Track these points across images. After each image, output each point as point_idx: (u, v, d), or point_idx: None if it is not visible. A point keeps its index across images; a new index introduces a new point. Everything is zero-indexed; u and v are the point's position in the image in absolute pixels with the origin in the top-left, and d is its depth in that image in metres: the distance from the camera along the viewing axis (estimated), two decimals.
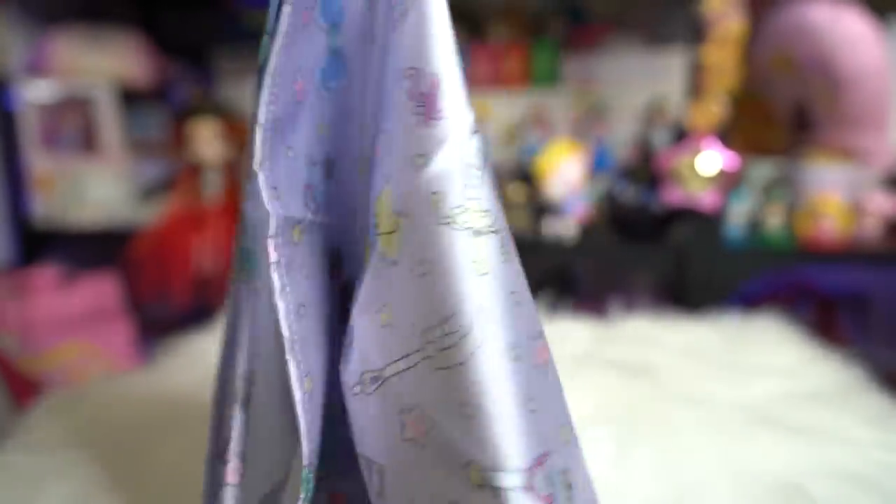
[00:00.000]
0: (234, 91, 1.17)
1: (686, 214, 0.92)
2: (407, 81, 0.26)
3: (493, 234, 0.26)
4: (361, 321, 0.26)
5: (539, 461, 0.24)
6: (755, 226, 0.97)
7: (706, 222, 0.91)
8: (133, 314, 1.09)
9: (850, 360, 0.57)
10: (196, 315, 0.88)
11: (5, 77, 1.11)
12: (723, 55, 0.87)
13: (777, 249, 0.94)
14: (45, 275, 1.03)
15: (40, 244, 1.16)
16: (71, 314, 1.00)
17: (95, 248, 1.11)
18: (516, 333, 0.25)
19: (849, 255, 0.92)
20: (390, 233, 0.26)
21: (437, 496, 0.24)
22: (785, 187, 0.97)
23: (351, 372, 0.26)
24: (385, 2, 0.27)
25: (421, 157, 0.25)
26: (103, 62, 1.12)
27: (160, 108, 1.21)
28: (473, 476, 0.23)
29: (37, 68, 1.12)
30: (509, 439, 0.24)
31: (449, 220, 0.25)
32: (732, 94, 0.88)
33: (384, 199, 0.26)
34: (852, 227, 0.93)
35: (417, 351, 0.25)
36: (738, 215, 0.96)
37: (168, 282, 1.01)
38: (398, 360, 0.25)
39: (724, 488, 0.37)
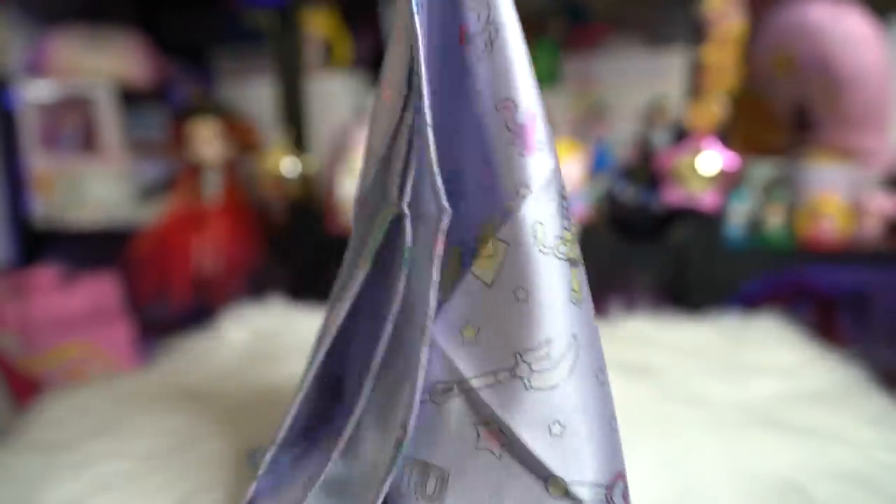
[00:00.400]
0: (234, 91, 1.17)
1: (686, 214, 0.92)
2: (504, 113, 0.27)
3: (582, 265, 0.27)
4: (442, 335, 0.28)
5: (617, 476, 0.26)
6: (755, 226, 0.97)
7: (706, 222, 0.91)
8: (133, 314, 1.09)
9: (850, 360, 0.57)
10: (196, 315, 0.88)
11: (5, 77, 1.11)
12: (723, 55, 0.87)
13: (777, 249, 0.93)
14: (45, 275, 1.03)
15: (40, 244, 1.16)
16: (71, 314, 1.00)
17: (95, 248, 1.11)
18: (598, 358, 0.27)
19: (849, 254, 0.92)
20: (488, 257, 0.27)
21: (509, 502, 0.25)
22: (785, 187, 0.97)
23: (416, 377, 0.27)
24: (467, 24, 0.28)
25: (524, 187, 0.26)
26: (103, 62, 1.12)
27: (160, 108, 1.21)
28: (554, 488, 0.24)
29: (37, 68, 1.12)
30: (595, 456, 0.25)
31: (551, 249, 0.26)
32: (732, 94, 0.88)
33: (489, 230, 0.27)
34: (853, 227, 0.93)
35: (508, 370, 0.26)
36: (739, 215, 0.96)
37: (168, 282, 1.01)
38: (484, 375, 0.26)
39: (725, 488, 0.37)
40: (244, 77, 1.19)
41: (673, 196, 0.90)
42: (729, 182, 0.90)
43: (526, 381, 0.25)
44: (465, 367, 0.27)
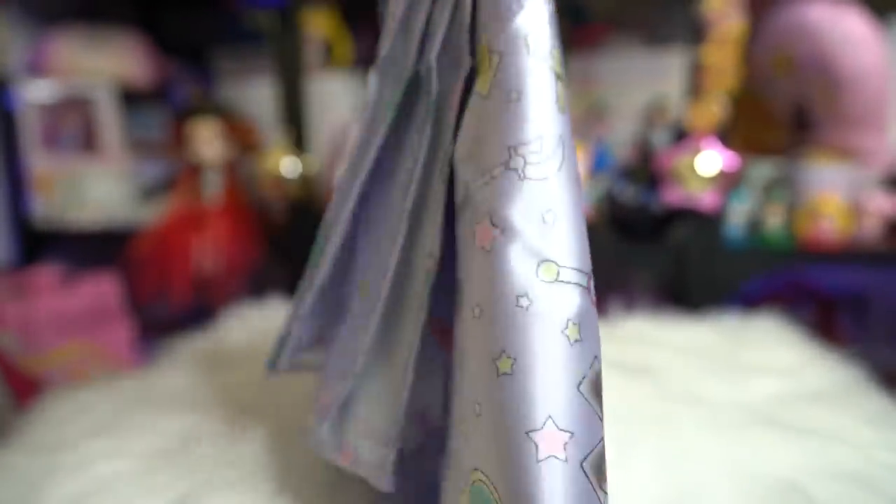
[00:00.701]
0: (234, 91, 1.17)
1: (686, 214, 0.92)
2: None
3: (565, 83, 0.29)
4: (457, 152, 0.30)
5: (591, 272, 0.27)
6: (755, 226, 0.97)
7: (706, 222, 0.91)
8: (133, 314, 1.09)
9: (850, 360, 0.57)
10: (196, 315, 0.88)
11: (5, 77, 1.11)
12: (723, 55, 0.87)
13: (777, 249, 0.94)
14: (46, 275, 1.03)
15: (40, 244, 1.16)
16: (71, 314, 1.00)
17: (95, 248, 1.11)
18: (577, 167, 0.29)
19: (849, 255, 0.92)
20: (485, 71, 0.29)
21: (503, 294, 0.26)
22: (785, 187, 0.97)
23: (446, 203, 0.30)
24: None
25: (516, 3, 0.28)
26: (103, 62, 1.12)
27: (160, 108, 1.21)
28: (545, 271, 0.26)
29: (37, 68, 1.12)
30: (579, 247, 0.27)
31: (542, 60, 0.28)
32: (732, 94, 0.88)
33: (483, 46, 0.29)
34: (852, 227, 0.93)
35: (503, 163, 0.27)
36: (738, 215, 0.96)
37: (168, 282, 1.01)
38: (481, 175, 0.28)
39: (724, 488, 0.37)
40: (244, 77, 1.19)
41: (673, 196, 0.90)
42: (729, 182, 0.90)
43: (520, 172, 0.27)
44: (468, 176, 0.28)
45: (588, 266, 0.27)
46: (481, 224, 0.27)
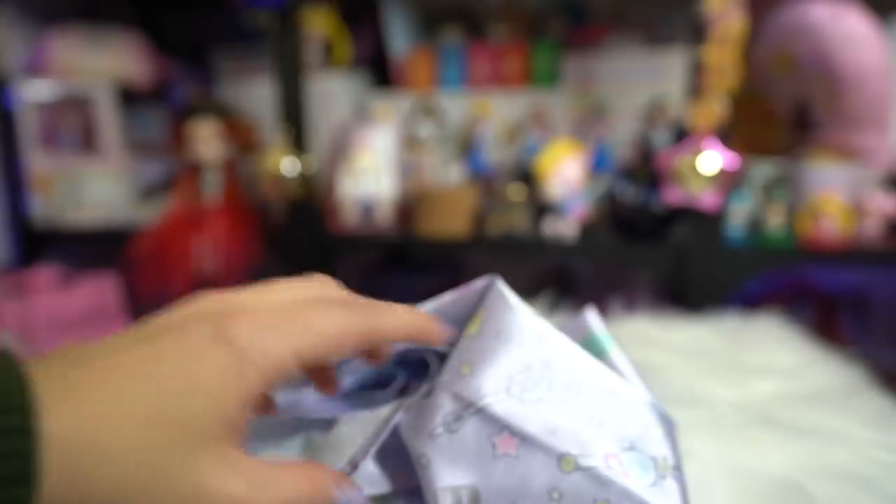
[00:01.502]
0: (234, 91, 1.17)
1: (686, 214, 0.92)
2: None
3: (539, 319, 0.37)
4: (446, 377, 0.34)
5: (608, 455, 0.31)
6: (756, 225, 0.97)
7: (706, 222, 0.91)
8: (133, 314, 1.09)
9: (851, 360, 0.57)
10: None
11: (5, 77, 1.11)
12: (723, 55, 0.87)
13: (778, 249, 0.93)
14: (45, 275, 1.03)
15: (40, 244, 1.16)
16: (71, 314, 1.00)
17: (95, 248, 1.11)
18: (570, 374, 0.34)
19: (849, 254, 0.92)
20: (474, 323, 0.35)
21: (535, 493, 0.30)
22: (786, 187, 0.97)
23: (430, 419, 0.32)
24: None
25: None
26: (103, 62, 1.12)
27: (160, 108, 1.21)
28: (566, 465, 0.30)
29: (36, 68, 1.12)
30: (589, 436, 0.31)
31: (519, 304, 0.36)
32: (733, 94, 0.88)
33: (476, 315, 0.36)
34: (853, 227, 0.93)
35: (505, 389, 0.32)
36: (739, 215, 0.96)
37: (168, 282, 1.01)
38: (487, 395, 0.32)
39: (724, 488, 0.37)
40: (244, 77, 1.19)
41: (673, 196, 0.90)
42: (729, 182, 0.90)
43: (519, 396, 0.32)
44: (471, 393, 0.32)
45: (602, 450, 0.30)
46: (501, 437, 0.31)
